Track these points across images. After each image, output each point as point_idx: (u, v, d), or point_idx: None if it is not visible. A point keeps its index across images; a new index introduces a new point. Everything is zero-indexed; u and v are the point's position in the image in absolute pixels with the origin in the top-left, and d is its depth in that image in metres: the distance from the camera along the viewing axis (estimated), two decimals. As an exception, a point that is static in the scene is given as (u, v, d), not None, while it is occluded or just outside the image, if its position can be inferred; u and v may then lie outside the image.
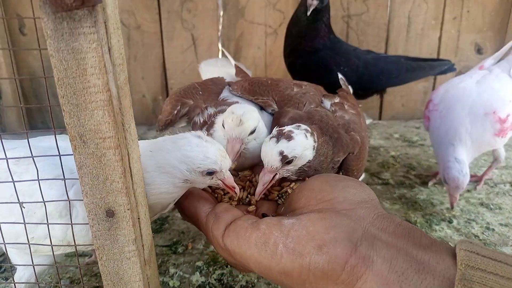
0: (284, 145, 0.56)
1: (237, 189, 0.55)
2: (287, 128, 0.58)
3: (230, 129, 0.60)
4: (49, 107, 0.40)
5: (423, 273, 0.37)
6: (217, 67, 1.08)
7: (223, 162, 0.51)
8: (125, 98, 0.41)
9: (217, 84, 0.79)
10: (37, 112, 1.44)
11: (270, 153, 0.56)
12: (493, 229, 0.85)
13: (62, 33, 0.35)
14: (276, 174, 0.58)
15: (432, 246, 0.40)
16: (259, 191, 0.57)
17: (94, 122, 0.39)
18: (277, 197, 0.59)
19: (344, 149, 0.64)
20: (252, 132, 0.62)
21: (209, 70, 1.07)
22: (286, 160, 0.56)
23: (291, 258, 0.43)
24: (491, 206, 0.93)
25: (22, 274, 0.56)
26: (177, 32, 1.37)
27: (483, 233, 0.84)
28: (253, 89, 0.73)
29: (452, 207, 0.91)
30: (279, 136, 0.57)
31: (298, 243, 0.43)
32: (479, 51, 1.42)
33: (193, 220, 0.55)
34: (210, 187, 0.57)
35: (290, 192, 0.59)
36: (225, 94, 0.76)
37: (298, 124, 0.60)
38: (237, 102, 0.72)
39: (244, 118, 0.60)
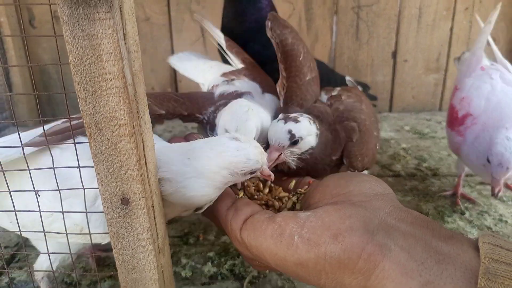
0: (292, 126, 0.60)
1: (272, 176, 0.55)
2: (292, 114, 0.62)
3: None
4: (65, 94, 0.40)
5: (444, 263, 0.37)
6: (194, 61, 0.94)
7: (263, 158, 0.52)
8: (139, 85, 0.41)
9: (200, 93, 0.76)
10: (47, 105, 1.45)
11: (280, 131, 0.60)
12: (506, 221, 0.84)
13: (77, 18, 0.35)
14: (281, 153, 0.61)
15: (452, 238, 0.39)
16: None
17: (109, 109, 0.38)
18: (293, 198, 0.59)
19: (341, 143, 0.66)
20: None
21: (185, 67, 0.94)
22: (293, 139, 0.60)
23: (307, 248, 0.42)
24: (504, 198, 0.92)
25: (42, 262, 0.57)
26: (186, 24, 1.37)
27: (496, 225, 0.83)
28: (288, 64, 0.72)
29: (493, 194, 0.76)
30: (287, 119, 0.61)
31: (313, 233, 0.43)
32: (491, 42, 1.40)
33: (213, 213, 0.55)
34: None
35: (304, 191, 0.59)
36: (221, 89, 0.74)
37: (300, 113, 0.63)
38: (236, 92, 0.70)
39: (239, 132, 0.60)
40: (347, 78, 0.89)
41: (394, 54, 1.42)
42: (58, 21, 0.34)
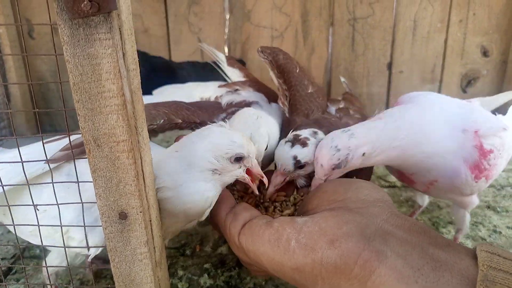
0: (298, 151, 0.59)
1: (265, 178, 0.55)
2: (303, 135, 0.60)
3: None
4: (64, 111, 0.41)
5: (440, 270, 0.37)
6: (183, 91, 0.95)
7: (249, 146, 0.52)
8: (138, 103, 0.42)
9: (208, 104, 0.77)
10: (45, 115, 1.45)
11: (285, 157, 0.59)
12: (500, 232, 0.85)
13: (78, 39, 0.36)
14: (287, 176, 0.60)
15: (449, 246, 0.40)
16: (271, 191, 0.59)
17: (108, 126, 0.39)
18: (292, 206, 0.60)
19: None
20: (266, 148, 0.63)
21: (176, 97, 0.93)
22: (298, 165, 0.59)
23: (303, 253, 0.43)
24: (498, 209, 0.93)
25: (51, 261, 0.58)
26: (184, 35, 1.38)
27: (490, 236, 0.84)
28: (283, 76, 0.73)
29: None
30: (294, 142, 0.59)
31: (310, 239, 0.43)
32: (485, 53, 1.42)
33: (212, 218, 0.55)
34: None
35: (301, 197, 0.60)
36: (228, 98, 0.75)
37: (315, 131, 0.62)
38: (244, 102, 0.72)
39: (253, 139, 0.61)
40: (342, 79, 0.92)
41: (390, 66, 1.44)
42: (57, 33, 0.35)
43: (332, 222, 0.44)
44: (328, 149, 0.57)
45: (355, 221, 0.43)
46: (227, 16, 1.38)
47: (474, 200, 0.74)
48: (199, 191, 0.50)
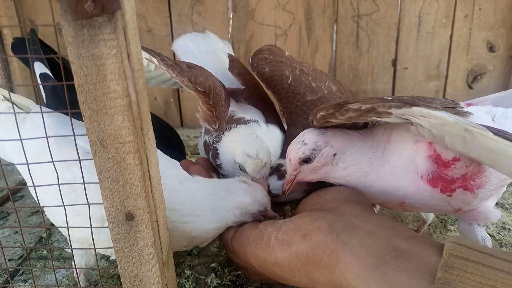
0: (273, 182, 0.63)
1: (277, 216, 0.61)
2: (285, 166, 0.62)
3: (255, 172, 0.63)
4: (69, 112, 0.41)
5: (400, 258, 0.40)
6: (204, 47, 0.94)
7: (267, 202, 0.59)
8: (143, 103, 0.42)
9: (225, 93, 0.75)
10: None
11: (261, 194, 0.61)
12: (509, 229, 0.84)
13: (82, 39, 0.36)
14: None
15: (415, 238, 0.43)
16: None
17: (114, 127, 0.39)
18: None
19: None
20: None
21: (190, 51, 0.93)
22: (270, 195, 0.62)
23: (281, 248, 0.48)
24: (507, 206, 0.92)
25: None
26: (188, 35, 1.38)
27: (498, 233, 0.83)
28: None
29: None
30: (274, 171, 0.63)
31: (286, 235, 0.49)
32: (491, 49, 1.41)
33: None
34: None
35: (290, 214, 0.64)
36: (232, 108, 0.74)
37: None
38: (243, 119, 0.70)
39: (263, 157, 0.63)
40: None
41: (394, 62, 1.43)
42: (61, 33, 0.35)
43: (306, 220, 0.48)
44: (295, 143, 0.58)
45: (326, 217, 0.48)
46: (231, 15, 1.38)
47: (480, 214, 0.61)
48: (211, 230, 0.56)
